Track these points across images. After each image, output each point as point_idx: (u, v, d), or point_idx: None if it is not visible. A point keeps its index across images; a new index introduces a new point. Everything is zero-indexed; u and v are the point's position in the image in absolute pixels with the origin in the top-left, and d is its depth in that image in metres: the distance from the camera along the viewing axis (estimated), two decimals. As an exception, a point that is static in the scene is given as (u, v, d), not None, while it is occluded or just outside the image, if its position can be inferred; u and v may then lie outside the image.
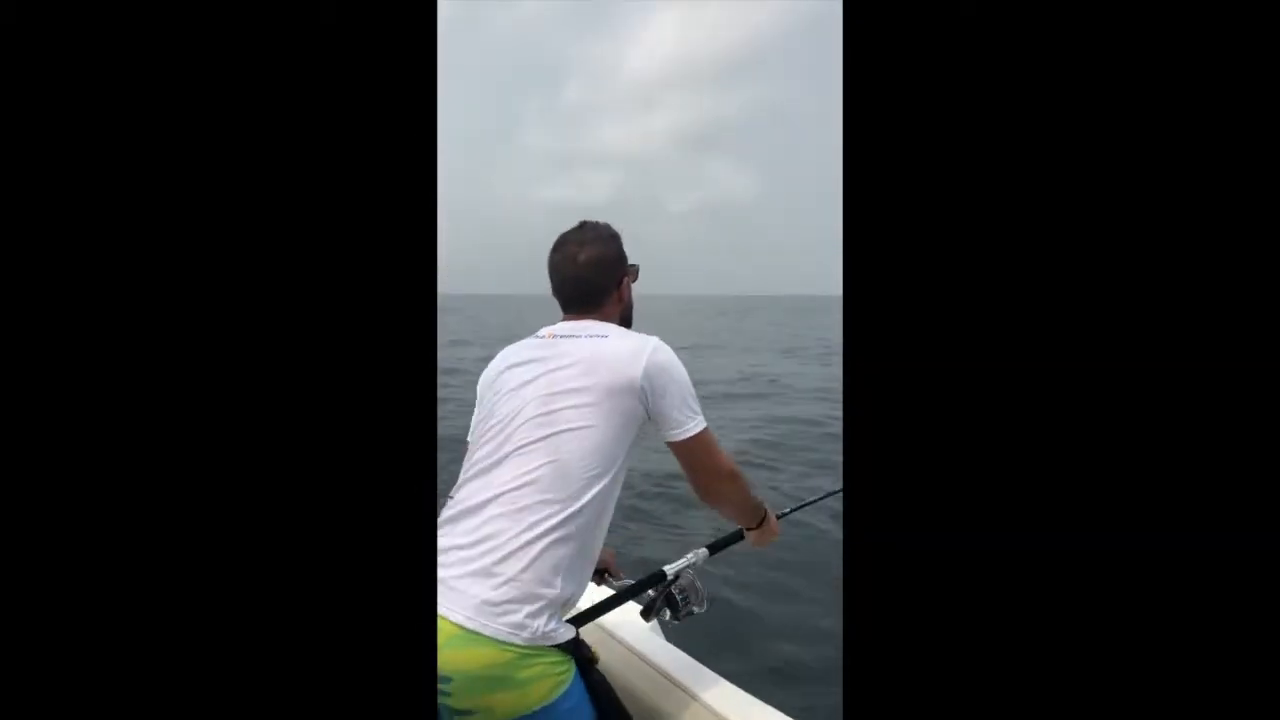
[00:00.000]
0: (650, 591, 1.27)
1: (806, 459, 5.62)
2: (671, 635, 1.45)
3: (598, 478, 1.02)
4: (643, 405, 1.04)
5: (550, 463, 1.01)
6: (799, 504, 1.54)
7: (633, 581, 1.28)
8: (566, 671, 0.99)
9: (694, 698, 1.20)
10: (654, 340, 1.09)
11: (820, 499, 1.63)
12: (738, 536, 1.33)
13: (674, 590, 1.28)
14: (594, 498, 1.01)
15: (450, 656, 0.91)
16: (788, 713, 1.14)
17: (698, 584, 1.29)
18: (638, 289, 1.25)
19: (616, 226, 1.22)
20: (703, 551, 1.33)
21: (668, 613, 1.28)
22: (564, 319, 1.18)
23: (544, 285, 1.22)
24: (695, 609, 1.28)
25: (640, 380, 1.03)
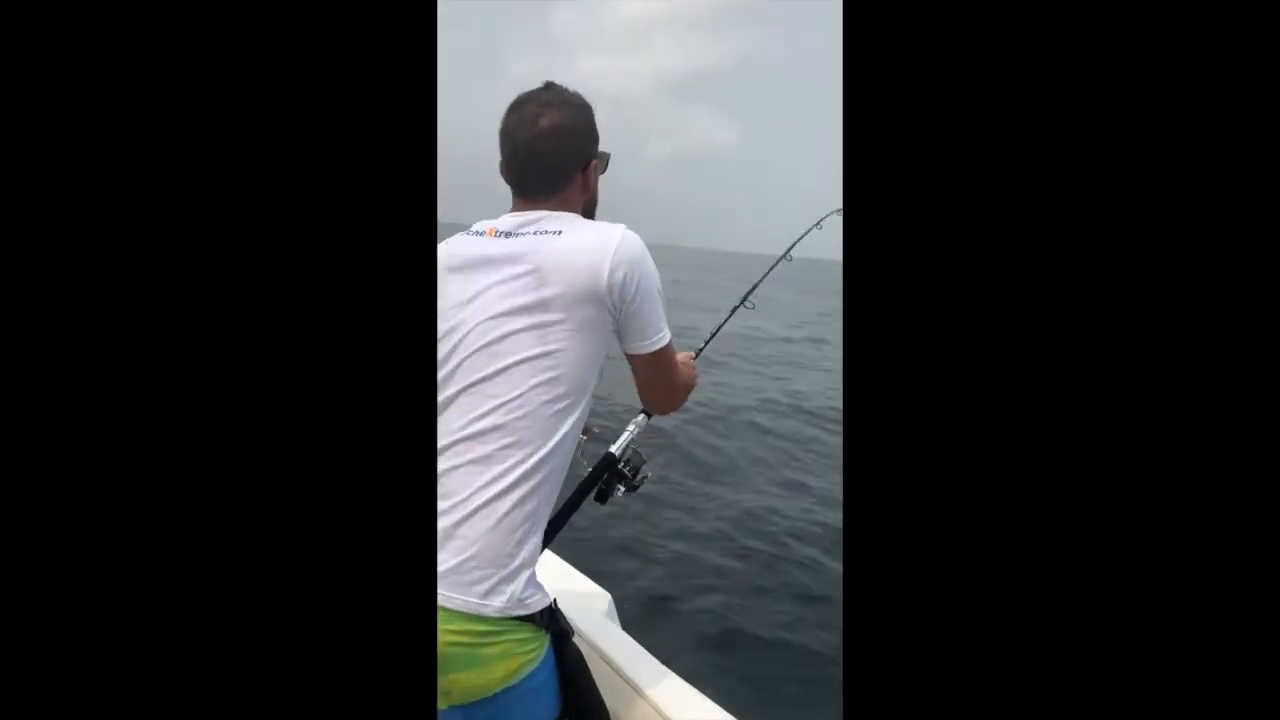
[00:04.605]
0: (605, 475, 1.22)
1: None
2: (629, 627, 1.44)
3: (566, 412, 0.84)
4: (610, 314, 0.85)
5: (509, 401, 0.81)
6: (704, 342, 1.49)
7: (588, 471, 1.21)
8: (536, 649, 0.85)
9: (638, 692, 1.18)
10: (619, 229, 0.86)
11: (721, 325, 1.57)
12: None
13: (623, 467, 1.22)
14: (564, 436, 0.84)
15: None
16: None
17: (640, 453, 1.25)
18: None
19: None
20: (641, 419, 1.26)
21: (620, 489, 1.23)
22: (512, 208, 0.93)
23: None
24: (647, 474, 1.25)
25: (606, 283, 0.83)
